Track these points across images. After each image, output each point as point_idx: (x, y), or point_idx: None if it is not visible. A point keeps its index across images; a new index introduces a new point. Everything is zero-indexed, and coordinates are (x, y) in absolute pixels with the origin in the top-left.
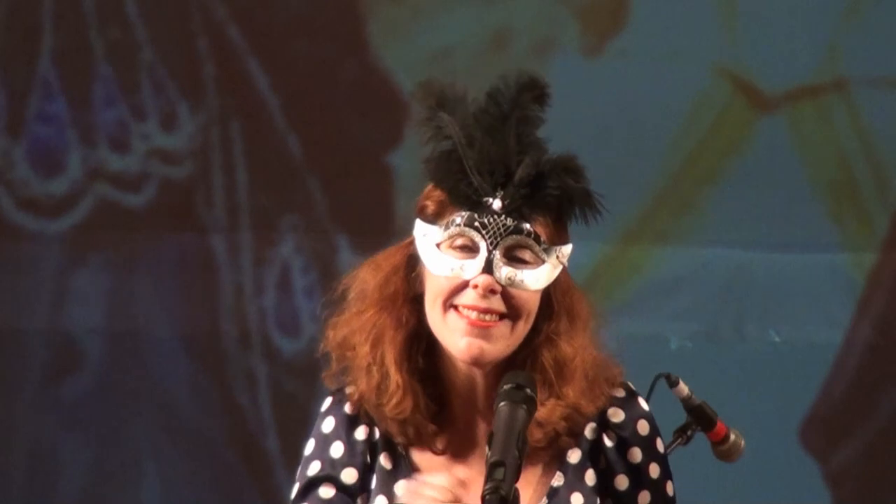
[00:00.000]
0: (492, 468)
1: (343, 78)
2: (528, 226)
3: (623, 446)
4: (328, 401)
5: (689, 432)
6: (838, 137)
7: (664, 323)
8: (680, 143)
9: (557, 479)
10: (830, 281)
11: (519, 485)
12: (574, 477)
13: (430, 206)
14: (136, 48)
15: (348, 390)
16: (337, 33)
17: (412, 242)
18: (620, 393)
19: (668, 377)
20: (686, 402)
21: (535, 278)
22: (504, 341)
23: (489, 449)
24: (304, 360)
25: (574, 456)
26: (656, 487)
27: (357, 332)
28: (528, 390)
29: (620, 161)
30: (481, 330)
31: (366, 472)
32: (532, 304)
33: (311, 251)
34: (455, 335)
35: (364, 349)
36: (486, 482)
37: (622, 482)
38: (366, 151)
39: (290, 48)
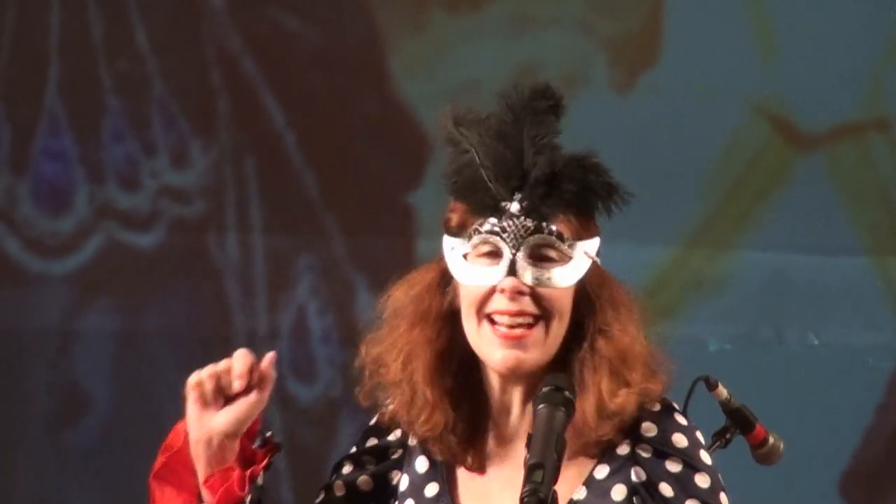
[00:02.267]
0: (530, 470)
1: (363, 113)
2: (549, 225)
3: (661, 457)
4: (373, 421)
5: (728, 435)
6: (880, 177)
7: (703, 326)
8: (714, 184)
9: (579, 493)
10: (871, 284)
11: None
12: (598, 492)
13: (454, 219)
14: (146, 81)
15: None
16: (357, 66)
17: (443, 257)
18: (656, 407)
19: (707, 380)
20: (725, 405)
21: (563, 275)
22: (540, 347)
23: (528, 451)
24: (320, 409)
25: (601, 471)
26: (706, 498)
27: (390, 348)
28: (567, 393)
29: (649, 203)
30: (515, 341)
31: (391, 470)
32: (564, 302)
33: (328, 294)
34: (491, 348)
35: (396, 365)
36: (524, 484)
37: (666, 489)
38: (386, 190)
39: (307, 82)
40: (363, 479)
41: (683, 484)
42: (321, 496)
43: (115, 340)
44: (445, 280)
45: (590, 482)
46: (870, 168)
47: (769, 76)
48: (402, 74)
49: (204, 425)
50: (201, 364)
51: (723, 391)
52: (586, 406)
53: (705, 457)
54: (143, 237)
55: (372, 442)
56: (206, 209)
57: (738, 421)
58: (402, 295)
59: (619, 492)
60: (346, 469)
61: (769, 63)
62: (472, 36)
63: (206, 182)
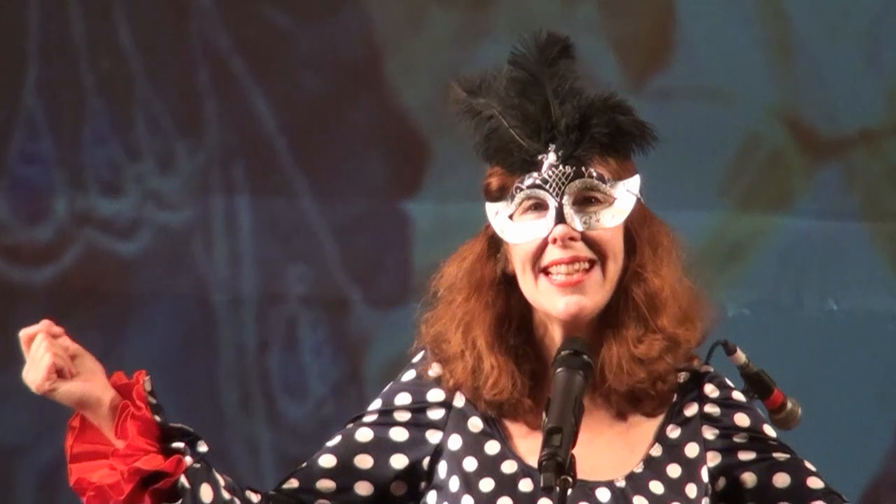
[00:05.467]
0: (549, 434)
1: (356, 116)
2: (588, 168)
3: (729, 410)
4: (419, 355)
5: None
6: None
7: (722, 290)
8: (727, 191)
9: (655, 450)
10: (890, 250)
11: (616, 435)
12: (672, 450)
13: (494, 183)
14: (130, 81)
15: (433, 371)
16: (351, 67)
17: (489, 226)
18: (710, 370)
19: (725, 344)
20: (743, 370)
21: (611, 215)
22: (599, 290)
23: (546, 415)
24: (310, 426)
25: (673, 432)
26: (775, 446)
27: (448, 323)
28: (585, 356)
29: (660, 209)
30: (574, 287)
31: (429, 427)
32: (616, 242)
33: (321, 305)
34: (552, 298)
35: (457, 337)
36: (542, 448)
37: (742, 420)
38: (381, 197)
39: (299, 83)
40: (396, 430)
41: (755, 431)
42: (337, 440)
43: (96, 353)
44: (495, 248)
45: (663, 440)
46: (888, 174)
47: (784, 81)
48: (398, 76)
49: (68, 399)
50: (185, 377)
51: (741, 356)
52: (614, 351)
53: (765, 423)
54: (127, 245)
55: (405, 398)
56: (192, 216)
57: (756, 386)
58: (455, 269)
59: (692, 449)
60: (374, 418)
61: (785, 68)
62: (473, 35)
63: (193, 187)
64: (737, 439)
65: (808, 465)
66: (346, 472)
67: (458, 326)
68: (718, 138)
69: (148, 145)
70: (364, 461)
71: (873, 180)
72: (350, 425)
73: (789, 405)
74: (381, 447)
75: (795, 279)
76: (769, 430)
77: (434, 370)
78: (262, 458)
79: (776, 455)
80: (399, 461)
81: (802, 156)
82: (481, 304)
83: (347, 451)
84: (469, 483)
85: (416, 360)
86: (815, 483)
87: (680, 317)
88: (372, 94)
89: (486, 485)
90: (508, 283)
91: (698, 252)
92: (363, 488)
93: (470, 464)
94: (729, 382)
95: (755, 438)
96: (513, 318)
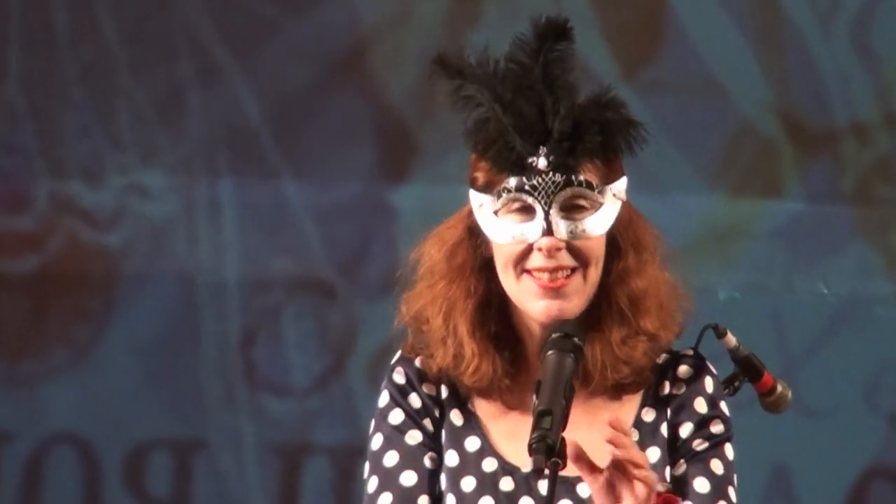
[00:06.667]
0: (539, 417)
1: (342, 105)
2: (577, 176)
3: (692, 393)
4: (397, 355)
5: (736, 383)
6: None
7: (713, 274)
8: (718, 178)
9: (633, 436)
10: (879, 234)
11: (596, 425)
12: (648, 433)
13: (480, 177)
14: (112, 71)
15: (417, 363)
16: (335, 57)
17: (471, 211)
18: (689, 352)
19: (715, 328)
20: (733, 353)
21: (596, 224)
22: (580, 294)
23: (536, 398)
24: (294, 420)
25: (648, 414)
26: (715, 444)
27: (429, 305)
28: (576, 339)
29: (649, 204)
30: (555, 290)
31: (436, 426)
32: (599, 249)
33: (305, 298)
34: (533, 299)
35: (437, 322)
36: (532, 431)
37: (700, 405)
38: (366, 188)
39: (283, 73)
40: (411, 435)
41: (700, 425)
42: (376, 481)
43: (76, 347)
44: (475, 233)
45: (640, 424)
46: (880, 167)
47: (775, 74)
48: (384, 66)
49: None
50: (168, 371)
51: (731, 339)
52: (597, 352)
53: (725, 407)
54: (109, 236)
55: (416, 400)
56: (175, 207)
57: (746, 369)
58: (435, 252)
59: (664, 429)
60: (410, 436)
61: (775, 60)
62: (460, 23)
63: (176, 178)
64: (687, 423)
65: (731, 489)
66: (406, 499)
67: (439, 311)
68: (709, 128)
69: (130, 136)
70: (409, 478)
71: (863, 169)
72: (373, 463)
73: (779, 388)
74: (412, 456)
75: (786, 263)
76: (717, 427)
77: (418, 363)
78: (244, 451)
79: (711, 461)
80: (428, 460)
81: (793, 147)
82: (462, 290)
83: (391, 480)
84: (452, 480)
85: (394, 360)
86: None
87: (662, 316)
88: (358, 83)
89: (468, 484)
90: (489, 268)
91: (690, 237)
92: (424, 502)
93: (451, 458)
94: (709, 366)
95: (701, 428)
96: (493, 304)
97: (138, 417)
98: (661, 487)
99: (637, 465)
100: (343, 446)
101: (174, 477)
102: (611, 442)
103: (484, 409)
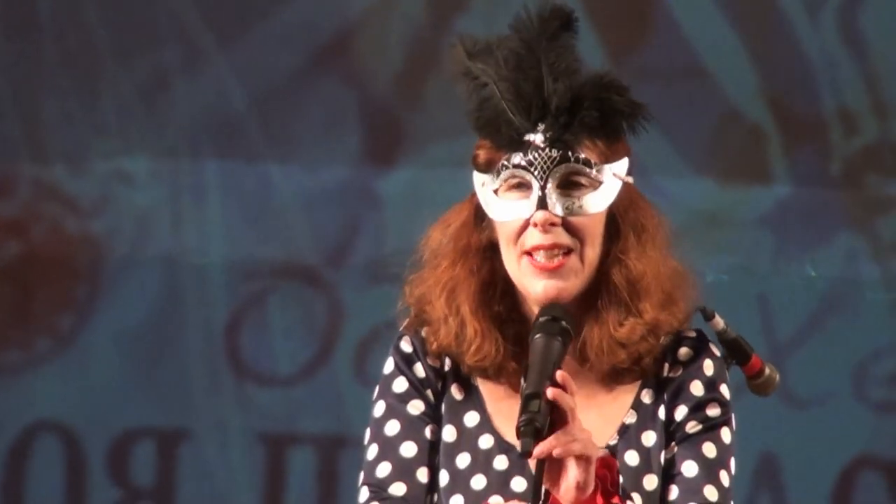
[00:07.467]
0: (527, 400)
1: (327, 92)
2: (575, 153)
3: (690, 375)
4: (403, 325)
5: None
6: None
7: (700, 256)
8: (707, 163)
9: (630, 417)
10: (867, 218)
11: (594, 407)
12: (646, 415)
13: (481, 156)
14: (96, 57)
15: (423, 333)
16: (321, 44)
17: (475, 195)
18: (692, 334)
19: (703, 310)
20: (721, 336)
21: (594, 201)
22: (578, 274)
23: (524, 381)
24: (280, 408)
25: (647, 396)
26: (710, 427)
27: (433, 286)
28: (564, 322)
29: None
30: (553, 271)
31: (437, 398)
32: (596, 227)
33: (291, 287)
34: (531, 280)
35: (440, 302)
36: (520, 414)
37: (696, 388)
38: (352, 174)
39: (268, 59)
40: (413, 405)
41: (696, 409)
42: (376, 449)
43: (60, 335)
44: (480, 215)
45: (638, 406)
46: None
47: (763, 61)
48: (371, 53)
49: None
50: (153, 360)
51: (719, 321)
52: (595, 333)
53: (725, 390)
54: (92, 223)
55: (421, 371)
56: (159, 194)
57: (734, 351)
58: (440, 235)
59: (662, 412)
60: (405, 390)
61: (763, 47)
62: (447, 10)
63: (160, 165)
64: (682, 406)
65: (724, 473)
66: (404, 470)
67: (442, 291)
68: (697, 115)
69: (114, 122)
70: (409, 449)
71: (850, 156)
72: (374, 430)
73: (767, 371)
74: (413, 427)
75: (773, 246)
76: (713, 410)
77: (420, 337)
78: (229, 439)
79: (704, 444)
80: (429, 431)
81: (781, 133)
82: (466, 270)
83: (391, 450)
84: (447, 456)
85: (399, 344)
86: (710, 493)
87: (663, 301)
88: (343, 69)
89: (463, 460)
90: (494, 249)
91: (677, 223)
92: (423, 475)
93: (449, 434)
94: (711, 347)
95: (696, 411)
96: (497, 285)
97: (123, 406)
98: (599, 453)
99: (573, 439)
100: (329, 435)
101: (159, 465)
102: (554, 398)
103: (487, 386)
